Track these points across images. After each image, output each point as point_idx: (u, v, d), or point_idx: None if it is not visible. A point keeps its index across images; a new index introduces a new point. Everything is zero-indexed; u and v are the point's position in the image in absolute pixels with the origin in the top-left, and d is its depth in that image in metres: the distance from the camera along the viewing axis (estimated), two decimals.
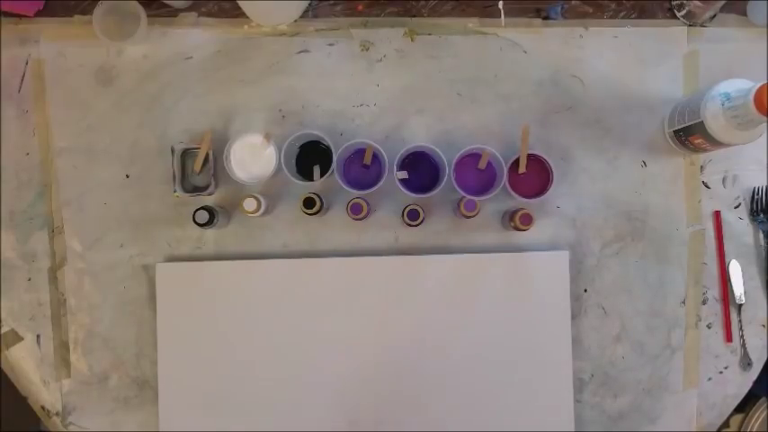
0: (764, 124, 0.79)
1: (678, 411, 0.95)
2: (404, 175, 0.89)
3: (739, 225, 0.96)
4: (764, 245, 0.96)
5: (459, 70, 0.96)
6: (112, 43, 0.92)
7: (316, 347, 0.92)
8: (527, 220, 0.88)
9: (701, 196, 0.96)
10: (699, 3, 0.93)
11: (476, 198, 0.87)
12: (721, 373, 0.95)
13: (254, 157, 0.90)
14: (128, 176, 0.95)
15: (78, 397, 0.94)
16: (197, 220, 0.88)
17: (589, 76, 0.97)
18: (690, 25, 0.97)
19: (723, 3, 0.93)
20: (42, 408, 0.94)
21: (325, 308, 0.92)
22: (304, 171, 0.93)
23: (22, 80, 0.95)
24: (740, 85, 0.80)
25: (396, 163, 0.89)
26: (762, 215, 0.96)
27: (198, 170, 0.92)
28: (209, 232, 0.94)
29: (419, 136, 0.95)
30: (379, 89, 0.96)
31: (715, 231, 0.96)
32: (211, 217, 0.88)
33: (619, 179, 0.96)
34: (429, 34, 0.97)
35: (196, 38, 0.96)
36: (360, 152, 0.92)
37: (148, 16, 0.93)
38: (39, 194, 0.95)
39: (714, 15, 0.97)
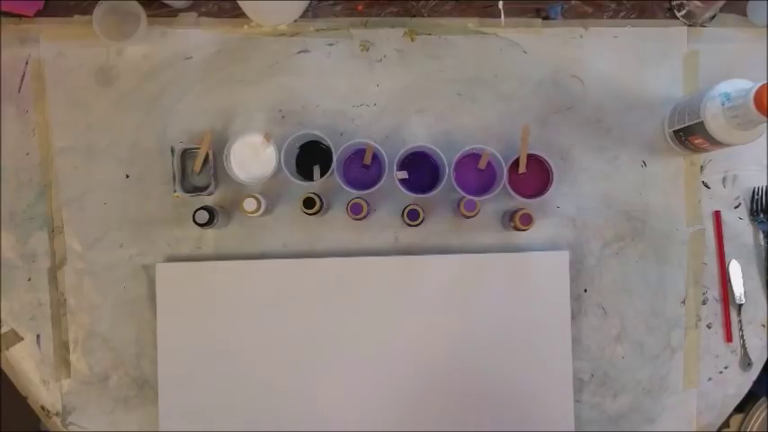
0: (764, 124, 0.79)
1: (678, 411, 0.95)
2: (404, 175, 0.89)
3: (739, 225, 0.96)
4: (764, 245, 0.96)
5: (459, 70, 0.96)
6: (112, 43, 0.92)
7: (315, 347, 0.92)
8: (527, 220, 0.88)
9: (701, 196, 0.96)
10: (699, 3, 0.93)
11: (476, 198, 0.87)
12: (721, 373, 0.95)
13: (254, 157, 0.90)
14: (128, 176, 0.95)
15: (78, 397, 0.94)
16: (197, 220, 0.88)
17: (589, 76, 0.97)
18: (690, 25, 0.97)
19: (723, 3, 0.93)
20: (42, 408, 0.94)
21: (325, 308, 0.92)
22: (304, 171, 0.93)
23: (22, 80, 0.95)
24: (740, 85, 0.80)
25: (396, 163, 0.89)
26: (762, 215, 0.96)
27: (198, 170, 0.92)
28: (210, 232, 0.94)
29: (419, 136, 0.95)
30: (379, 89, 0.96)
31: (715, 231, 0.96)
32: (211, 217, 0.88)
33: (619, 179, 0.96)
34: (429, 34, 0.97)
35: (196, 38, 0.96)
36: (360, 152, 0.92)
37: (148, 16, 0.93)
38: (39, 194, 0.95)
39: (714, 15, 0.97)
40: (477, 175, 0.92)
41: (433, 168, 0.93)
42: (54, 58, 0.95)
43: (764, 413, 1.00)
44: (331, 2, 0.97)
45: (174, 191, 0.91)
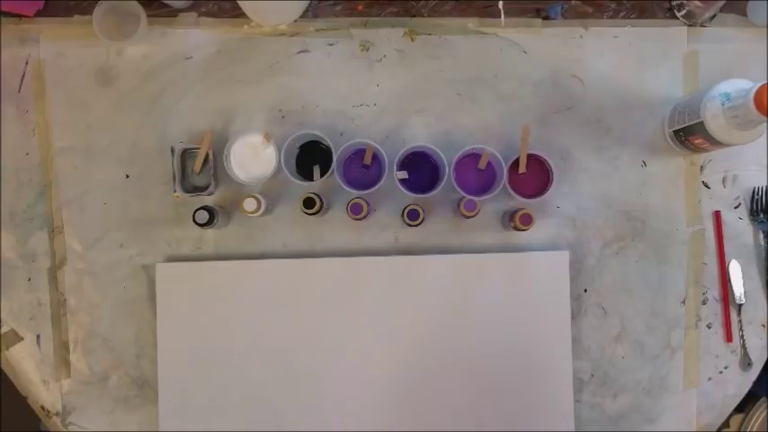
0: (764, 124, 0.79)
1: (678, 411, 0.95)
2: (404, 175, 0.89)
3: (739, 225, 0.96)
4: (764, 245, 0.96)
5: (459, 70, 0.96)
6: (112, 43, 0.93)
7: (315, 347, 0.92)
8: (527, 220, 0.88)
9: (701, 196, 0.96)
10: (699, 3, 0.93)
11: (476, 198, 0.87)
12: (721, 373, 0.95)
13: (254, 157, 0.90)
14: (128, 176, 0.95)
15: (78, 397, 0.94)
16: (197, 220, 0.88)
17: (589, 76, 0.97)
18: (690, 25, 0.97)
19: (723, 3, 0.93)
20: (42, 408, 0.94)
21: (325, 308, 0.92)
22: (304, 171, 0.93)
23: (22, 80, 0.95)
24: (740, 85, 0.80)
25: (396, 163, 0.89)
26: (762, 215, 0.96)
27: (198, 170, 0.92)
28: (209, 232, 0.94)
29: (419, 136, 0.95)
30: (379, 89, 0.96)
31: (715, 231, 0.96)
32: (211, 217, 0.88)
33: (619, 179, 0.96)
34: (429, 34, 0.97)
35: (196, 38, 0.96)
36: (360, 152, 0.92)
37: (148, 16, 0.93)
38: (39, 194, 0.95)
39: (714, 15, 0.97)
40: (477, 175, 0.92)
41: (433, 168, 0.93)
42: (54, 58, 0.95)
43: (764, 413, 1.00)
44: (331, 2, 0.97)
45: (174, 191, 0.91)
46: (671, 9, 0.98)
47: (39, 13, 0.96)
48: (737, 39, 0.97)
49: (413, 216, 0.88)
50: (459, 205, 0.89)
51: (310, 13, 0.97)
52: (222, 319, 0.92)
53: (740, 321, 0.95)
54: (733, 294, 0.96)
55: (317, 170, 0.91)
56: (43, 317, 0.94)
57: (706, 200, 0.96)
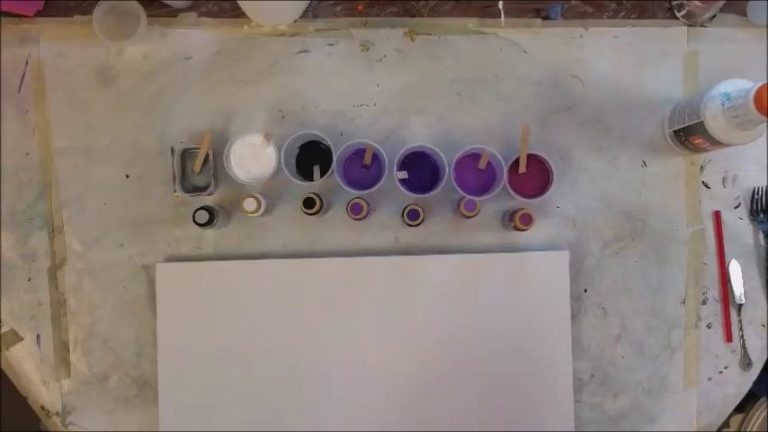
0: (764, 124, 0.79)
1: (678, 411, 0.95)
2: (404, 175, 0.89)
3: (739, 225, 0.96)
4: (764, 245, 0.96)
5: (459, 70, 0.96)
6: (112, 43, 0.93)
7: (315, 347, 0.92)
8: (527, 220, 0.88)
9: (701, 196, 0.96)
10: (699, 3, 0.93)
11: (476, 198, 0.87)
12: (721, 373, 0.95)
13: (254, 157, 0.90)
14: (128, 176, 0.95)
15: (78, 397, 0.94)
16: (197, 220, 0.88)
17: (589, 76, 0.97)
18: (690, 25, 0.97)
19: (723, 3, 0.93)
20: (42, 408, 0.94)
21: (325, 308, 0.92)
22: (304, 171, 0.93)
23: (22, 80, 0.95)
24: (740, 85, 0.80)
25: (396, 163, 0.89)
26: (762, 215, 0.96)
27: (198, 170, 0.92)
28: (209, 232, 0.94)
29: (419, 136, 0.95)
30: (379, 89, 0.96)
31: (715, 231, 0.96)
32: (211, 217, 0.88)
33: (619, 179, 0.96)
34: (429, 34, 0.97)
35: (196, 38, 0.96)
36: (360, 152, 0.92)
37: (148, 16, 0.93)
38: (39, 194, 0.95)
39: (714, 15, 0.97)
40: (477, 175, 0.92)
41: (433, 168, 0.93)
42: (54, 58, 0.95)
43: (764, 413, 1.00)
44: (331, 2, 0.97)
45: (174, 191, 0.91)
46: (671, 9, 0.98)
47: (39, 13, 0.96)
48: (737, 39, 0.97)
49: (413, 216, 0.88)
50: (459, 205, 0.89)
51: (310, 13, 0.97)
52: (222, 319, 0.92)
53: (740, 321, 0.95)
54: (733, 294, 0.96)
55: (317, 170, 0.91)
56: (43, 317, 0.94)
57: (706, 200, 0.96)
